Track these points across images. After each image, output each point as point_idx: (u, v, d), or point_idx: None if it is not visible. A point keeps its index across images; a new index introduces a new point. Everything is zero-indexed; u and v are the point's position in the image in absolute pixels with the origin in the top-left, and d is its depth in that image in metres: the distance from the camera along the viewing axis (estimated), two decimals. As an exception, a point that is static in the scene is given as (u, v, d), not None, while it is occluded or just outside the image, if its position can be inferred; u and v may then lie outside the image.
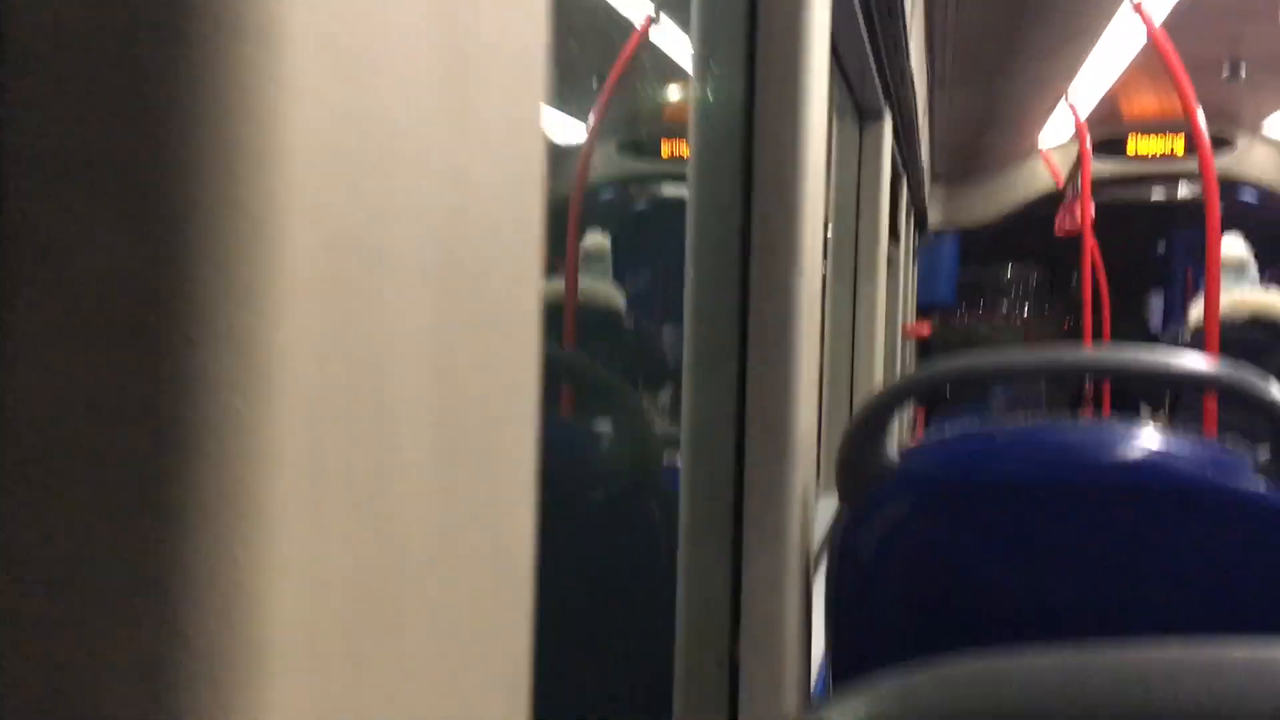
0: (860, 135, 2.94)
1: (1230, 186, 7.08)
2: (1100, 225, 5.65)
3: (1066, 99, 5.72)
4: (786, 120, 1.29)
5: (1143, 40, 4.40)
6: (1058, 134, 7.63)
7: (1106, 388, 5.53)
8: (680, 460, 1.35)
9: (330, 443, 0.31)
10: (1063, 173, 7.00)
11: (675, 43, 3.36)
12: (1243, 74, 6.30)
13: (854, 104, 2.86)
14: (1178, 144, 7.92)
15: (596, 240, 4.00)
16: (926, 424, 6.73)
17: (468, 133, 0.38)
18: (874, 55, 2.48)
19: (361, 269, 0.32)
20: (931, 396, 6.77)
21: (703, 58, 1.34)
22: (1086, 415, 5.84)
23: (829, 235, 2.98)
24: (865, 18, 2.22)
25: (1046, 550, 1.32)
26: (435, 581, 0.38)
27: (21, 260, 0.27)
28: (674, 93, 4.52)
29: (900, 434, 5.15)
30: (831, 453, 2.48)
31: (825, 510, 1.98)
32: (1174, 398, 4.42)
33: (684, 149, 1.38)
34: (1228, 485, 1.28)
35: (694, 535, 1.32)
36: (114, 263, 0.27)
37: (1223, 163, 6.17)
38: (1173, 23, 4.34)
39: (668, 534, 1.37)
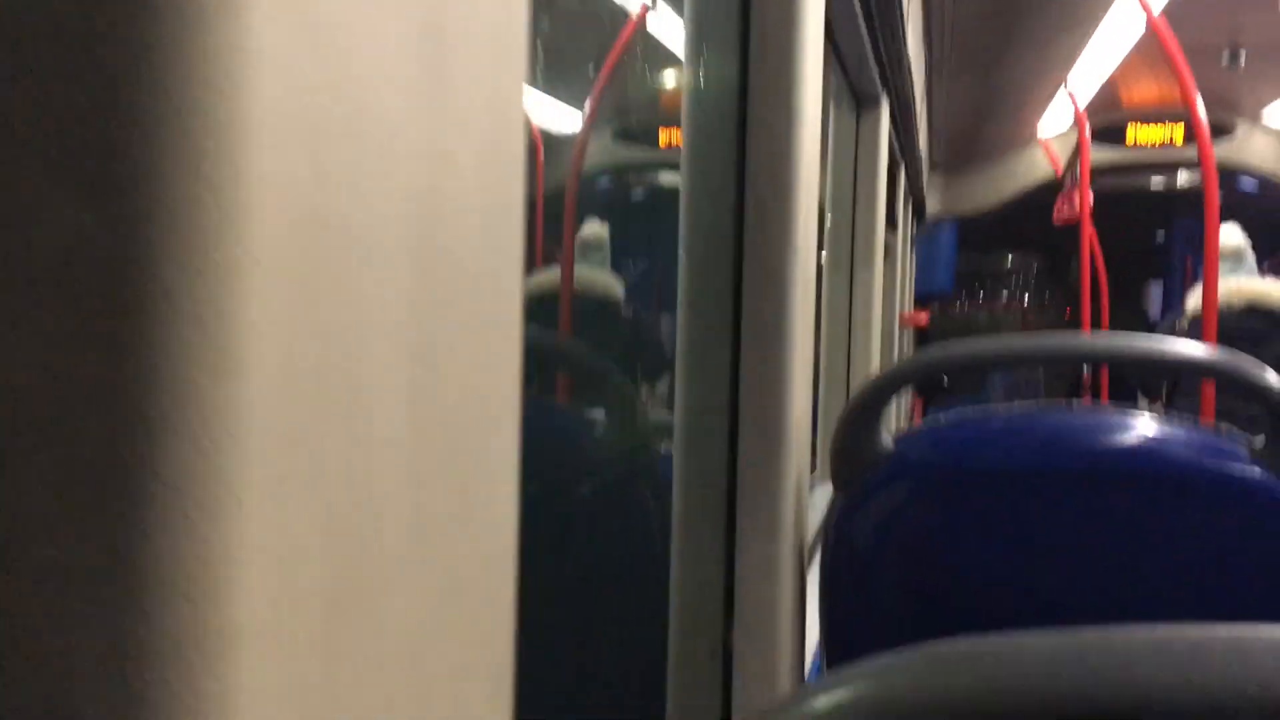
0: (857, 122, 2.93)
1: (1230, 175, 7.07)
2: (1099, 214, 5.64)
3: (1065, 87, 5.71)
4: (780, 106, 1.28)
5: (1142, 28, 4.38)
6: (1057, 122, 7.62)
7: (1105, 376, 5.54)
8: (673, 448, 1.35)
9: (301, 423, 0.31)
10: (1062, 161, 6.99)
11: (672, 29, 3.35)
12: (1242, 62, 6.29)
13: (851, 91, 2.85)
14: (1177, 132, 7.91)
15: (595, 229, 4.00)
16: (924, 416, 6.73)
17: (444, 111, 0.38)
18: (871, 41, 2.47)
19: (333, 246, 0.32)
20: (929, 387, 6.77)
21: (696, 43, 1.33)
22: (1084, 404, 5.83)
23: (826, 223, 2.97)
24: (862, 3, 2.21)
25: (1041, 536, 1.32)
26: (412, 566, 0.38)
27: None
28: (671, 80, 4.51)
29: (898, 426, 5.14)
30: (828, 442, 2.47)
31: (823, 500, 1.98)
32: (1171, 387, 4.42)
33: (680, 137, 1.37)
34: (1223, 471, 1.28)
35: (687, 523, 1.32)
36: (76, 237, 0.26)
37: (1222, 151, 6.16)
38: (1172, 10, 4.32)
39: (662, 522, 1.36)
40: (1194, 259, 7.77)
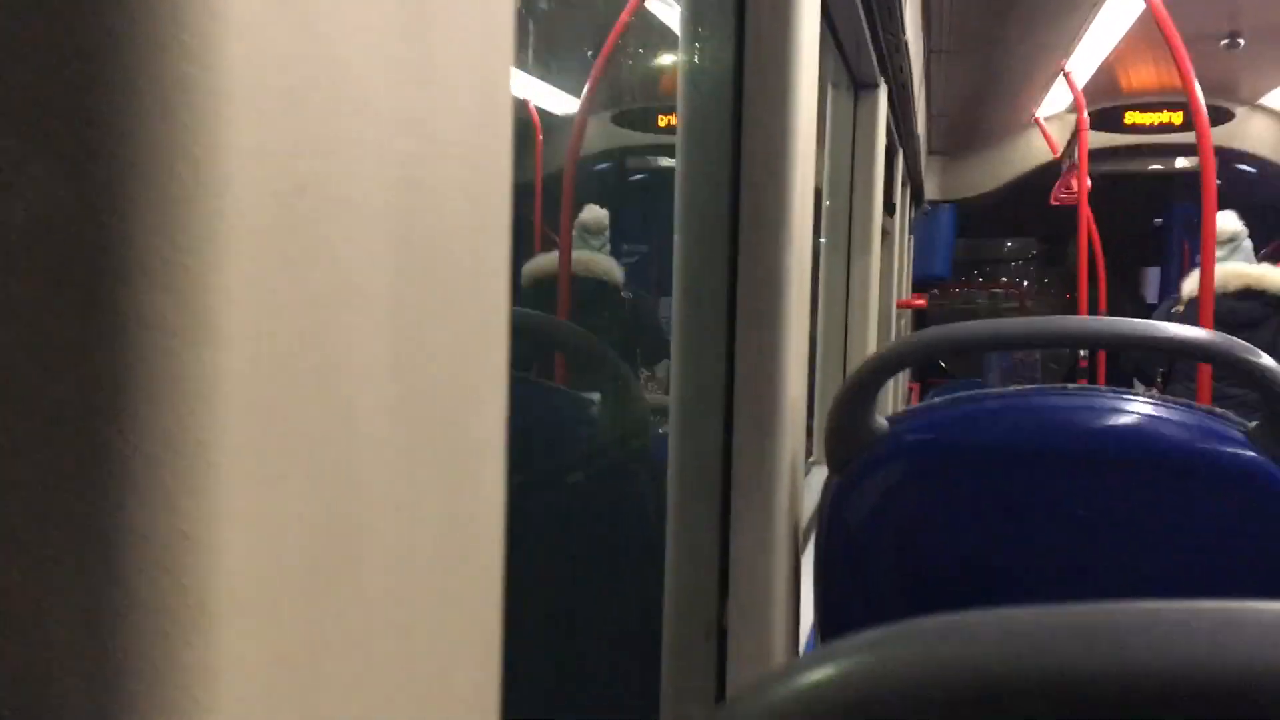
0: (855, 106, 2.92)
1: (1228, 159, 7.05)
2: (1097, 198, 5.63)
3: (1064, 71, 5.69)
4: (776, 89, 1.28)
5: (1140, 10, 4.37)
6: (1055, 106, 7.60)
7: (1102, 361, 5.54)
8: (669, 429, 1.35)
9: (281, 394, 0.31)
10: (1060, 145, 6.97)
11: (671, 12, 3.33)
12: (1241, 45, 6.27)
13: (849, 75, 2.84)
14: (1175, 116, 7.89)
15: (595, 214, 4.00)
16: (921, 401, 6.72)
17: (427, 81, 0.38)
18: (868, 24, 2.46)
19: (312, 215, 0.31)
20: (926, 372, 6.77)
21: (692, 24, 1.33)
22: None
23: (824, 207, 2.96)
24: (859, -14, 2.20)
25: (1036, 517, 1.32)
26: (397, 540, 0.38)
27: None
28: (670, 63, 4.49)
29: (895, 412, 5.14)
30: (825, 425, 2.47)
31: (820, 483, 1.98)
32: (1167, 373, 4.43)
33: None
34: (1218, 453, 1.28)
35: (682, 504, 1.32)
36: (50, 205, 0.26)
37: (1220, 135, 6.15)
38: (1171, -7, 4.30)
39: (658, 503, 1.37)
40: (1192, 244, 7.76)
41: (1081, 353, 6.36)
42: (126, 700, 0.27)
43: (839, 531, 1.37)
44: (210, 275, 0.28)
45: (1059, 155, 6.77)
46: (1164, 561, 1.29)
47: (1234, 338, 1.33)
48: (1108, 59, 6.60)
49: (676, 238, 1.34)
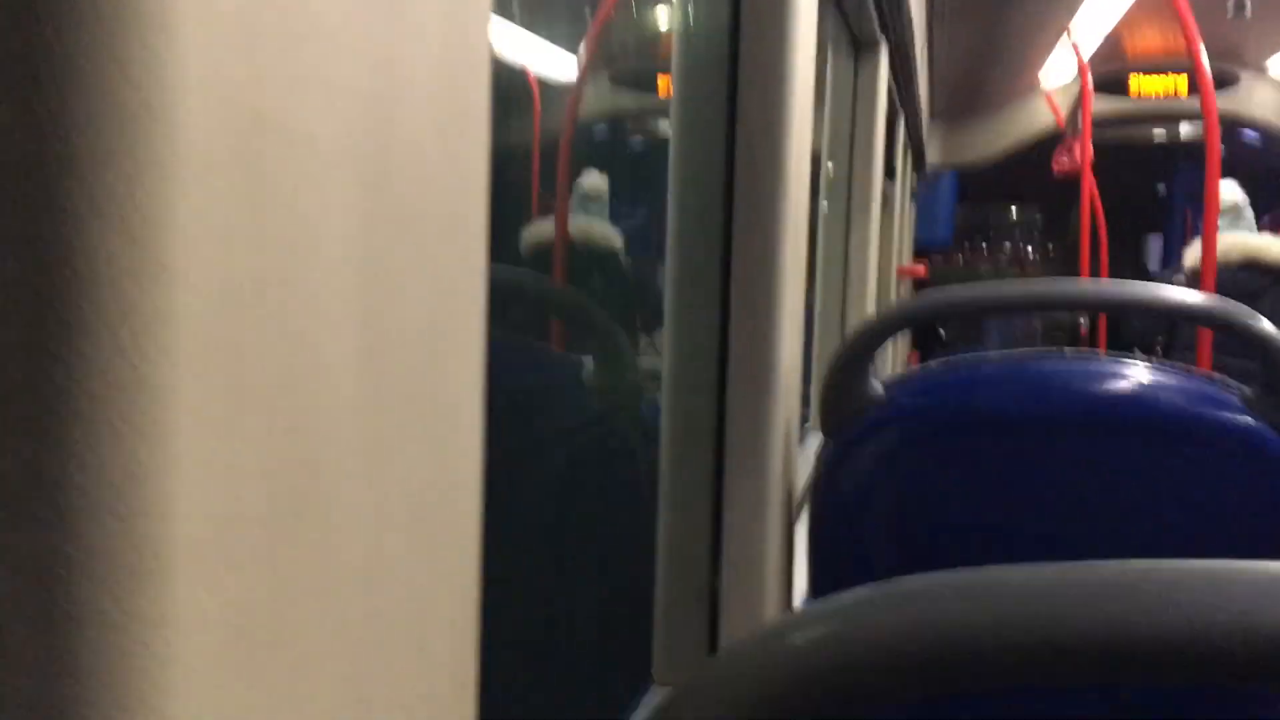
0: (855, 69, 2.89)
1: (1232, 127, 7.01)
2: (1100, 166, 5.60)
3: (1069, 35, 5.64)
4: (772, 49, 1.26)
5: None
6: (1059, 72, 7.54)
7: (1102, 329, 5.52)
8: (662, 393, 1.34)
9: (240, 336, 0.30)
10: (1064, 111, 6.92)
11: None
12: (1248, 11, 6.20)
13: (849, 35, 2.81)
14: (1181, 83, 7.82)
15: (594, 180, 3.97)
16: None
17: (398, 19, 0.36)
18: (870, -15, 2.44)
19: (272, 151, 0.30)
20: (925, 339, 6.75)
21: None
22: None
23: (824, 171, 2.94)
24: (860, -55, 2.17)
25: (1031, 483, 1.31)
26: (365, 488, 0.37)
27: None
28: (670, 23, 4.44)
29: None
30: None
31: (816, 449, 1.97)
32: (1167, 341, 4.42)
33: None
34: (1217, 419, 1.28)
35: (675, 469, 1.32)
36: None
37: (1225, 102, 6.10)
38: (1177, -43, 4.25)
39: (652, 466, 1.36)
40: (1194, 212, 7.73)
41: (1082, 321, 6.35)
42: (77, 650, 0.26)
43: (832, 496, 1.36)
44: (164, 212, 0.27)
45: (1063, 124, 6.73)
46: (1161, 526, 1.29)
47: (1235, 302, 1.32)
48: (1114, 25, 6.55)
49: (670, 201, 1.32)
